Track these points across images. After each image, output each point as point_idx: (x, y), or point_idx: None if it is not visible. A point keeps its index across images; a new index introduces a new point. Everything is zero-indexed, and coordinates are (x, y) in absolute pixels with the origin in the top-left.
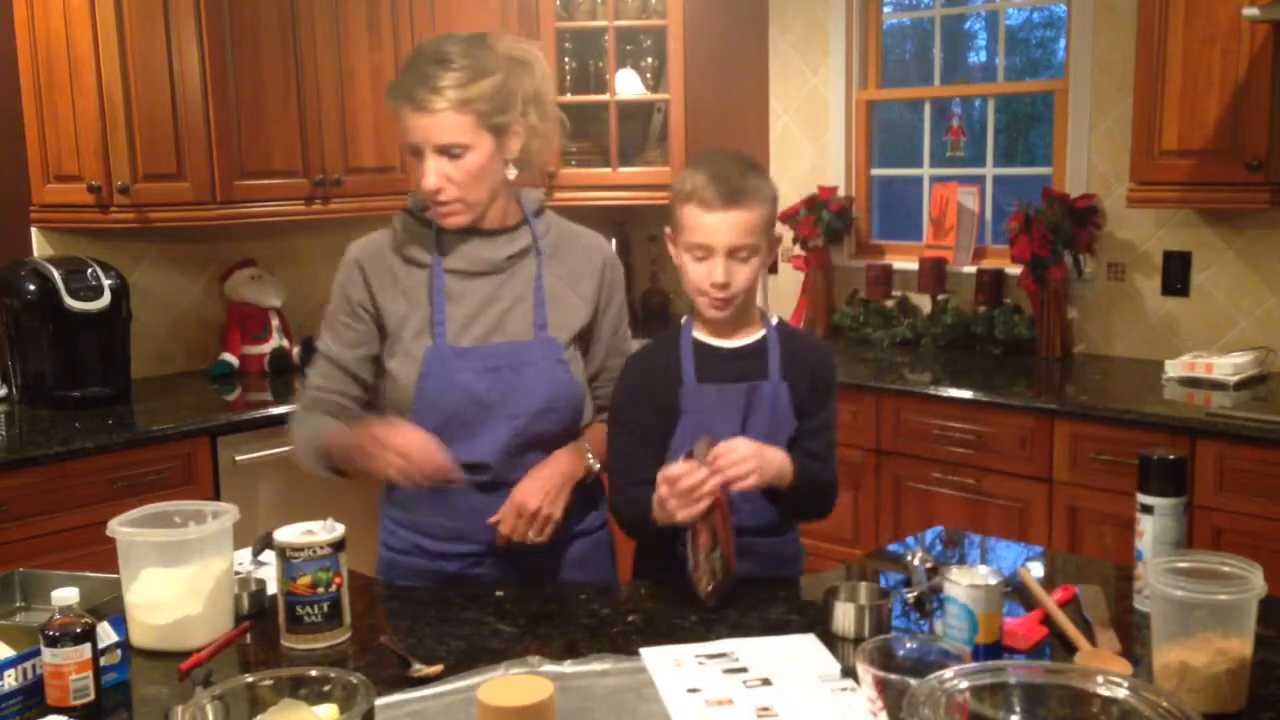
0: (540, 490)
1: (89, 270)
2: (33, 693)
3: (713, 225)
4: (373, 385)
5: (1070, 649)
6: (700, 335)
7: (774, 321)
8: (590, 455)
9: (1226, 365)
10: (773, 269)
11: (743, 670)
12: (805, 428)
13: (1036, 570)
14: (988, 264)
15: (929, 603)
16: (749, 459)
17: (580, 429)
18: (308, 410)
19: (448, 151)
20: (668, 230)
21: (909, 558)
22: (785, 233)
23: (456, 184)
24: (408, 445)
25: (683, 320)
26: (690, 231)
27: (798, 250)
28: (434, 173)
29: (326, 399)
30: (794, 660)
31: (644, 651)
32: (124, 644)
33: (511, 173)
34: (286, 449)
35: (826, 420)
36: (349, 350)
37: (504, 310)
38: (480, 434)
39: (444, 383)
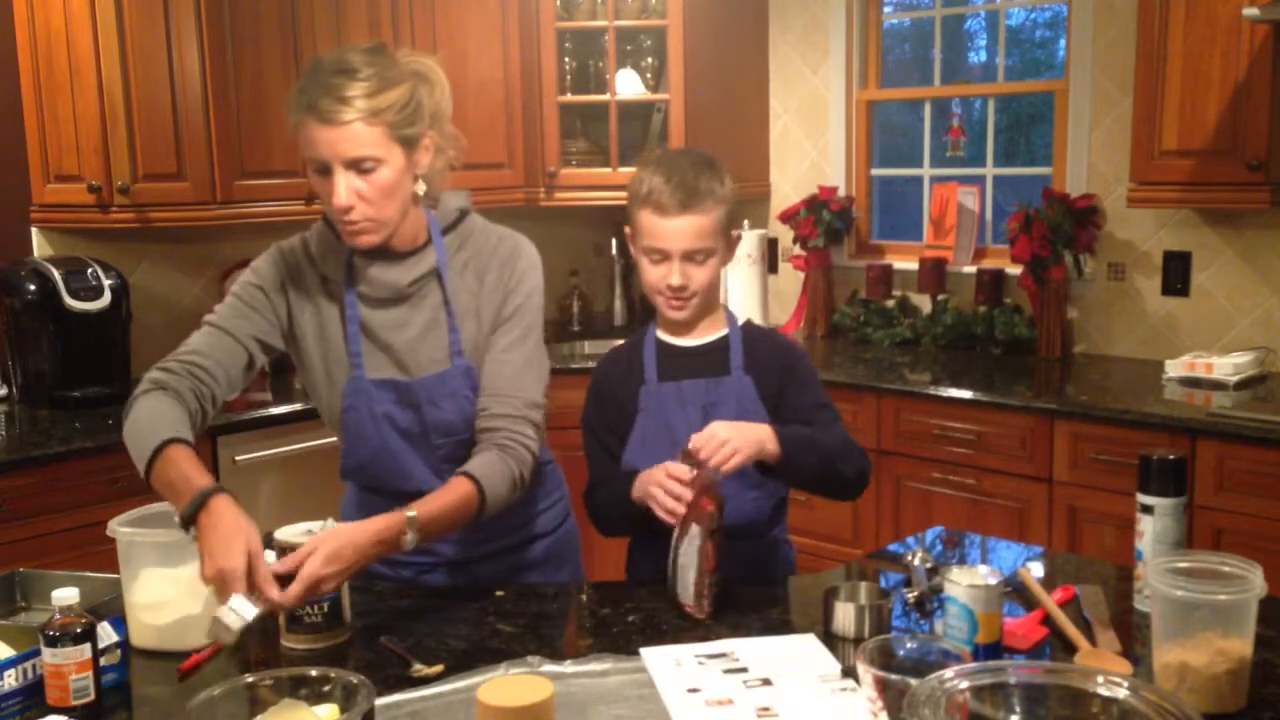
0: (329, 560)
1: (89, 270)
2: (33, 693)
3: (669, 230)
4: (239, 379)
5: (1070, 649)
6: (663, 335)
7: (739, 321)
8: (408, 532)
9: (1226, 365)
10: (772, 268)
11: (743, 670)
12: (795, 418)
13: (1036, 570)
14: (988, 264)
15: (929, 603)
16: (726, 441)
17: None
18: (165, 383)
19: (358, 166)
20: (627, 230)
21: (909, 558)
22: (784, 233)
23: (368, 201)
24: (226, 567)
25: (650, 323)
26: (647, 235)
27: (798, 250)
28: (344, 189)
29: (199, 371)
30: (794, 660)
31: (644, 651)
32: (124, 644)
33: (420, 188)
34: (286, 449)
35: (815, 403)
36: (249, 325)
37: (415, 338)
38: (410, 463)
39: (365, 415)
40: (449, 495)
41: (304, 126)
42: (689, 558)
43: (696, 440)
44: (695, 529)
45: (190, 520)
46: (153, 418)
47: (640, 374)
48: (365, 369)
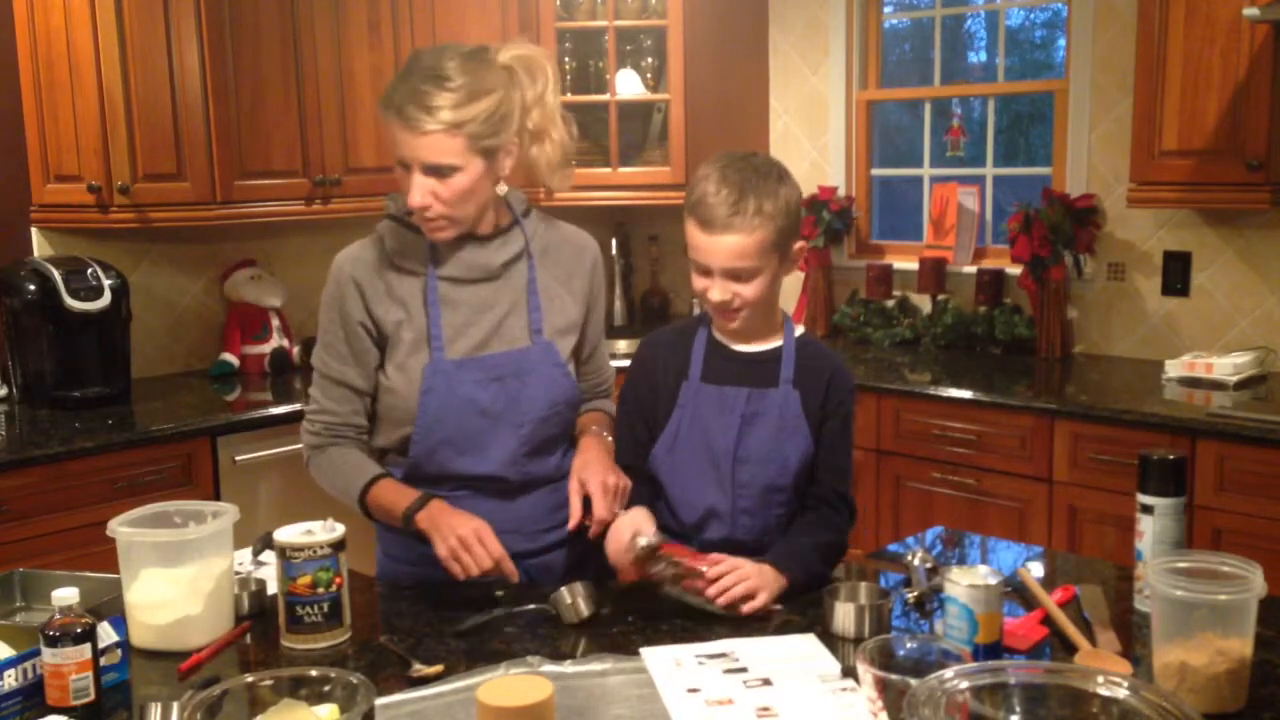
0: (609, 466)
1: (89, 270)
2: (33, 693)
3: (708, 247)
4: (370, 403)
5: (1070, 649)
6: (717, 335)
7: (797, 332)
8: (606, 434)
9: (1226, 365)
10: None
11: (743, 670)
12: (826, 461)
13: (1036, 570)
14: (988, 264)
15: (929, 603)
16: (747, 579)
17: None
18: (328, 442)
19: (436, 171)
20: None
21: (909, 558)
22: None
23: (443, 202)
24: (466, 536)
25: (705, 315)
26: (690, 246)
27: None
28: (420, 191)
29: (341, 427)
30: (794, 660)
31: (644, 651)
32: (124, 644)
33: (502, 189)
34: (286, 449)
35: (846, 454)
36: (354, 369)
37: (500, 316)
38: (488, 445)
39: (447, 397)
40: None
41: (390, 125)
42: (696, 602)
43: (717, 571)
44: (665, 587)
45: (411, 516)
46: (348, 461)
47: (685, 368)
48: (446, 350)
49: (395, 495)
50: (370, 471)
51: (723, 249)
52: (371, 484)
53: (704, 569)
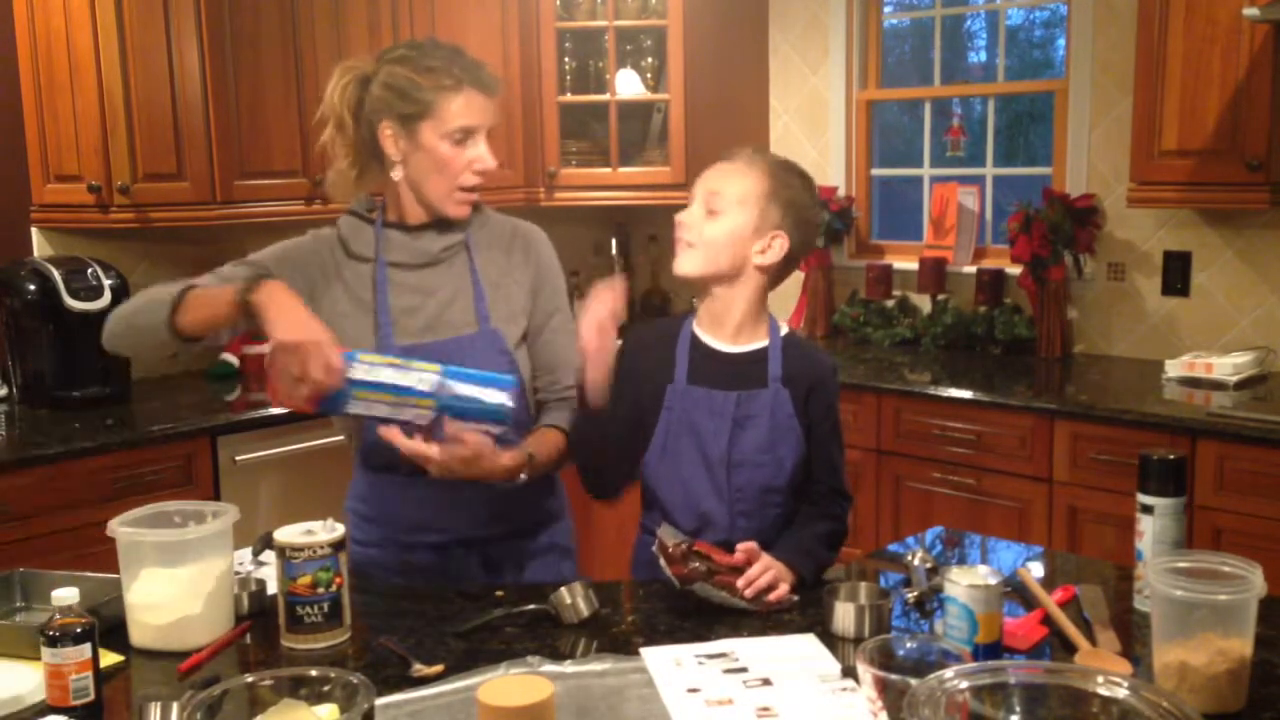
0: (510, 454)
1: (89, 270)
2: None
3: (707, 173)
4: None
5: (1070, 649)
6: (701, 333)
7: (782, 331)
8: (530, 453)
9: (1226, 365)
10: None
11: (743, 670)
12: (821, 459)
13: (1036, 570)
14: (988, 264)
15: (929, 603)
16: (770, 571)
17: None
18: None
19: (488, 134)
20: None
21: (909, 558)
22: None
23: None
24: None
25: (690, 312)
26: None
27: None
28: (490, 152)
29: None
30: (794, 660)
31: (644, 651)
32: None
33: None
34: (286, 449)
35: (839, 449)
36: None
37: (444, 302)
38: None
39: None
40: (552, 444)
41: (456, 96)
42: (721, 598)
43: (747, 552)
44: (698, 585)
45: (247, 292)
46: (153, 291)
47: (669, 370)
48: (394, 336)
49: (219, 290)
50: (184, 283)
51: (715, 171)
52: (188, 290)
53: (738, 564)
